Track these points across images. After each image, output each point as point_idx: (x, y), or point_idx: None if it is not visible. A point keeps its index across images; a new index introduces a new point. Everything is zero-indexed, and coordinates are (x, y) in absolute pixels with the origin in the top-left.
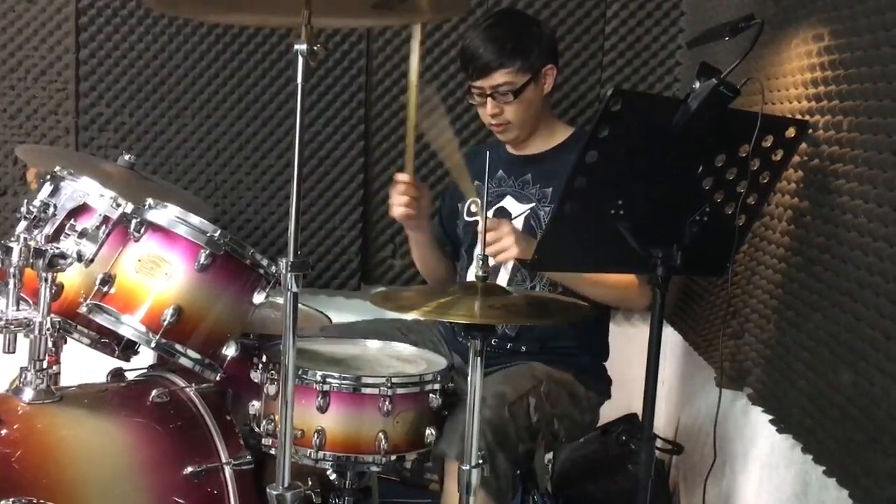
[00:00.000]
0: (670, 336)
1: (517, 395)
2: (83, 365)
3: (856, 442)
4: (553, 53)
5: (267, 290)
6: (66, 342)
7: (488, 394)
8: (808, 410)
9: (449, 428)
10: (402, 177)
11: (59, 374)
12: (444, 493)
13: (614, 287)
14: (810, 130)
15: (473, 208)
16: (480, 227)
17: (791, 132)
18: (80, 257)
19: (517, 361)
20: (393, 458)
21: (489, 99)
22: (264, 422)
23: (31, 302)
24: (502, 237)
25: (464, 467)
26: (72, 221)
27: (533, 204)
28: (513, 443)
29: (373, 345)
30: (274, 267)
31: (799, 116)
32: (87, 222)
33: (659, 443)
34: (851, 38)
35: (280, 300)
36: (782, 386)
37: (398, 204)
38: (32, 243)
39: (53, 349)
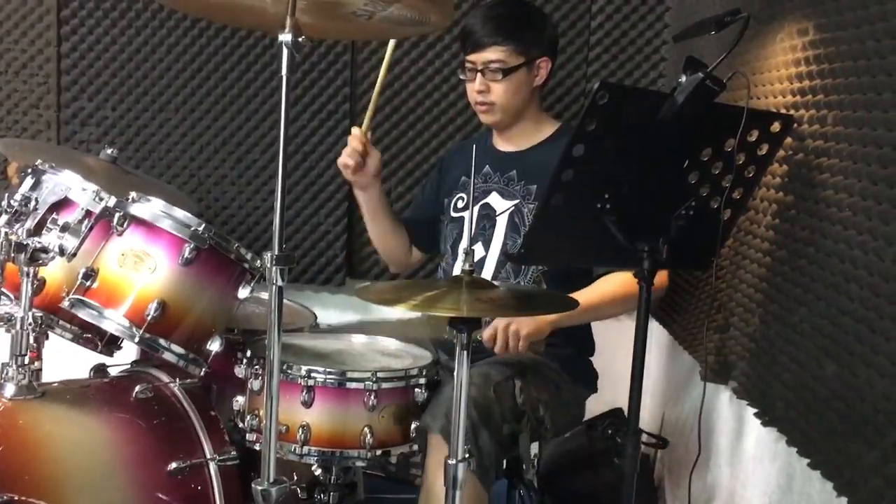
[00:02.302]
0: (655, 330)
1: (503, 377)
2: (65, 361)
3: (840, 434)
4: (551, 48)
5: (252, 284)
6: (48, 337)
7: (474, 374)
8: (792, 403)
9: (433, 403)
10: (356, 130)
11: (40, 369)
12: (425, 467)
13: (625, 294)
14: (795, 125)
15: (461, 204)
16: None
17: (776, 126)
18: (62, 251)
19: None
20: (378, 452)
21: (478, 75)
22: (248, 417)
23: (12, 297)
24: (504, 331)
25: (450, 461)
26: (54, 215)
27: (517, 200)
28: (497, 422)
29: (358, 339)
30: (259, 261)
31: (784, 111)
32: (69, 216)
33: (644, 437)
34: (836, 32)
35: (265, 296)
36: (767, 379)
37: (345, 154)
38: (14, 237)
39: (35, 345)
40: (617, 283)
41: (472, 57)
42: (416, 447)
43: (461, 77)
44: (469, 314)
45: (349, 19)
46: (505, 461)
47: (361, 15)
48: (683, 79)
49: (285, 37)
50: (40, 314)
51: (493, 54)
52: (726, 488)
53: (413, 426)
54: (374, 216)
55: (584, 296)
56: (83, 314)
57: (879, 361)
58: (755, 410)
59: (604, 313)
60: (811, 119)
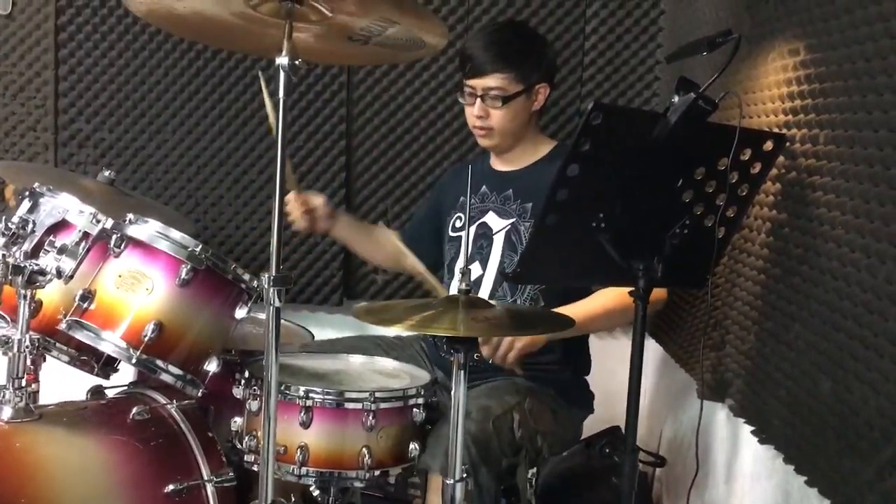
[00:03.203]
0: (652, 348)
1: (502, 410)
2: (62, 383)
3: (836, 451)
4: (550, 74)
5: (249, 304)
6: (45, 360)
7: (473, 408)
8: (788, 420)
9: (432, 441)
10: (289, 196)
11: (37, 392)
12: None
13: (618, 307)
14: (788, 143)
15: (458, 224)
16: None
17: (769, 145)
18: (59, 273)
19: (499, 376)
20: (377, 473)
21: (478, 100)
22: (247, 438)
23: (9, 319)
24: (500, 345)
25: (448, 482)
26: (51, 237)
27: (514, 219)
28: (496, 458)
29: (356, 360)
30: (256, 282)
31: (776, 130)
32: (66, 238)
33: (642, 455)
34: (826, 52)
35: (262, 316)
36: (763, 396)
37: (291, 219)
38: (11, 260)
39: (32, 367)
40: (612, 295)
41: (472, 82)
42: (414, 468)
43: (459, 100)
44: (465, 334)
45: (345, 44)
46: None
47: (357, 40)
48: (676, 99)
49: (282, 60)
50: (37, 336)
51: (493, 81)
52: None
53: (411, 446)
54: (353, 242)
55: (581, 308)
56: (80, 336)
57: (873, 378)
58: (752, 428)
59: (600, 326)
60: (803, 138)
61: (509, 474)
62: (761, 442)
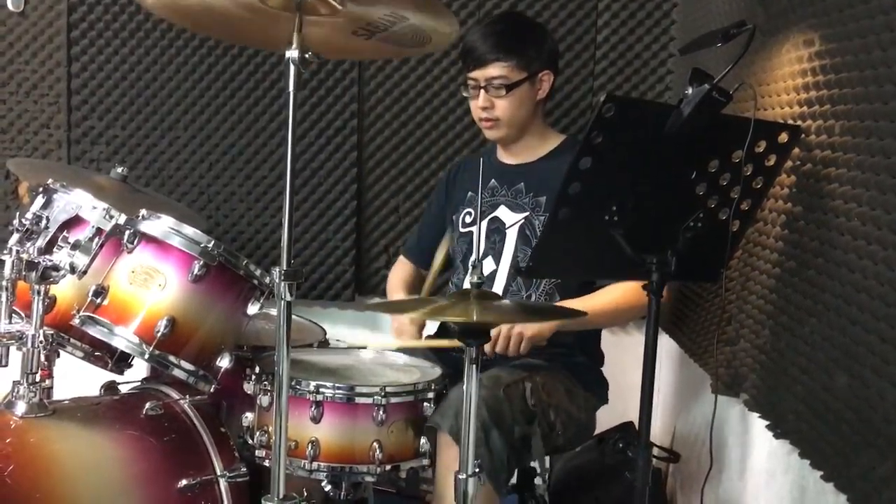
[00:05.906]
0: (665, 343)
1: (513, 379)
2: (76, 378)
3: (852, 445)
4: (552, 61)
5: (261, 300)
6: (58, 355)
7: (484, 376)
8: (804, 415)
9: (444, 402)
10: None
11: (51, 387)
12: (436, 468)
13: (627, 303)
14: (803, 135)
15: (468, 219)
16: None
17: (783, 137)
18: (72, 269)
19: (510, 363)
20: (388, 467)
21: (482, 91)
22: (258, 433)
23: (23, 315)
24: (507, 335)
25: (460, 476)
26: (64, 233)
27: (527, 213)
28: (507, 422)
29: (366, 354)
30: (268, 277)
31: (791, 121)
32: (79, 234)
33: (655, 451)
34: (842, 42)
35: (274, 312)
36: (778, 391)
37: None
38: (25, 256)
39: (46, 363)
40: (619, 292)
41: (474, 74)
42: (425, 462)
43: (464, 94)
44: (478, 320)
45: (349, 39)
46: (516, 474)
47: (362, 35)
48: (690, 91)
49: (292, 53)
50: (51, 332)
51: (495, 70)
52: (739, 502)
53: (422, 441)
54: None
55: (591, 302)
56: (94, 331)
57: (891, 371)
58: (767, 423)
59: (609, 321)
60: (818, 129)
61: (523, 446)
62: (776, 437)
